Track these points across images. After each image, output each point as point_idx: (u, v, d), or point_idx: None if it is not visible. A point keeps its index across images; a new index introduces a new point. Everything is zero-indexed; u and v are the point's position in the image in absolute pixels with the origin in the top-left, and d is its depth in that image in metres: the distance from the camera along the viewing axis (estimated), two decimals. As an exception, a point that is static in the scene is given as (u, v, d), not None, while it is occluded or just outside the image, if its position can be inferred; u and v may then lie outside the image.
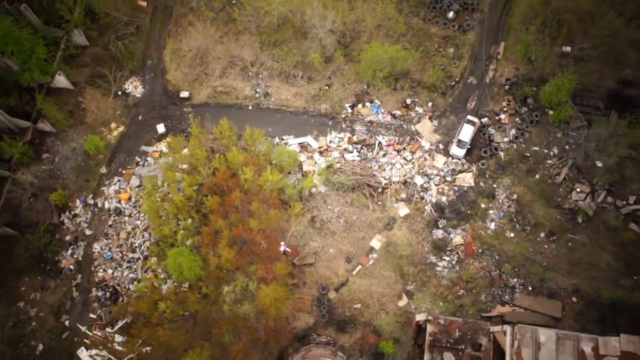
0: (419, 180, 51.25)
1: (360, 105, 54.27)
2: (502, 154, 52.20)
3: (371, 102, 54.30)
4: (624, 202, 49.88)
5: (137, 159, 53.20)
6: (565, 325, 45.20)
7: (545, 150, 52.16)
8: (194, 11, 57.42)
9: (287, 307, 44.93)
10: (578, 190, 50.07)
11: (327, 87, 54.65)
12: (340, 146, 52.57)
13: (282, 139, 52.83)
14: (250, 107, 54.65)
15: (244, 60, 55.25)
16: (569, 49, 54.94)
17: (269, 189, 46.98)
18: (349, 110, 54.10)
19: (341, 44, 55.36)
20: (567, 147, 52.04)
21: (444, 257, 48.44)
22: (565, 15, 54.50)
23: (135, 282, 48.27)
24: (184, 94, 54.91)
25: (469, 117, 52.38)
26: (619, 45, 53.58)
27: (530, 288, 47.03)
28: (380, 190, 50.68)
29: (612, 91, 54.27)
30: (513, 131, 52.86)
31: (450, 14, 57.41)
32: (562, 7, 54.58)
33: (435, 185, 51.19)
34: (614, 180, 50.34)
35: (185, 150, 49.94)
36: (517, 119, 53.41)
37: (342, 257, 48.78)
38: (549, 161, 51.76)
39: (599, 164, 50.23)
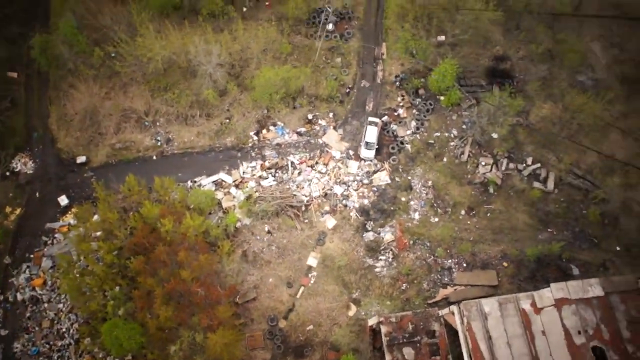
0: (339, 190, 52.16)
1: (264, 131, 54.45)
2: (408, 146, 54.56)
3: (274, 125, 54.67)
4: (524, 165, 54.01)
5: (44, 238, 49.43)
6: (503, 290, 47.74)
7: (446, 134, 55.29)
8: (72, 72, 54.77)
9: (240, 348, 43.63)
10: (483, 163, 53.48)
11: (227, 120, 54.30)
12: (254, 175, 52.29)
13: (195, 182, 51.64)
14: (154, 157, 52.93)
15: (137, 111, 53.55)
16: (443, 37, 59.01)
17: (193, 234, 45.54)
18: (255, 137, 54.09)
19: (232, 75, 55.41)
20: (464, 126, 55.48)
21: (380, 257, 49.53)
22: (432, 8, 58.54)
23: (72, 371, 44.65)
24: (81, 159, 52.03)
25: (370, 118, 54.34)
26: (483, 26, 58.21)
27: (464, 265, 49.28)
28: (303, 208, 50.96)
29: (489, 68, 58.95)
30: (413, 123, 55.51)
31: (330, 26, 59.46)
32: (427, 1, 58.59)
33: (355, 190, 52.35)
34: (511, 147, 54.43)
35: (96, 217, 47.21)
36: (414, 111, 56.18)
37: (283, 284, 48.31)
38: (452, 143, 54.87)
39: (495, 135, 54.09)
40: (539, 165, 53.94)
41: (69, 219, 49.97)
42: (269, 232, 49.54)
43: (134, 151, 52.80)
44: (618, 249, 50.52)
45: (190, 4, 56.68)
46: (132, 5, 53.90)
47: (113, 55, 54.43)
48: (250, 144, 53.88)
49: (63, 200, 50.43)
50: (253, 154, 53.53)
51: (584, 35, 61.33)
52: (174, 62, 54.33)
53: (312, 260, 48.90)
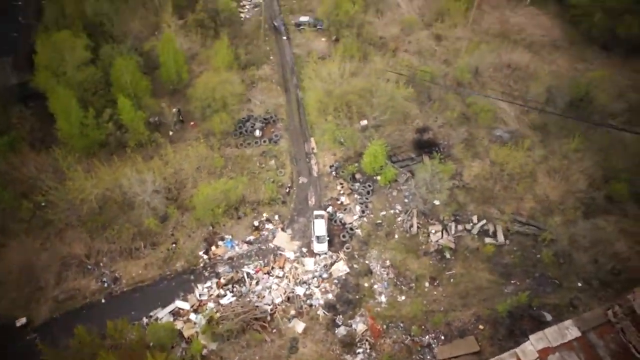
0: (300, 290, 50.95)
1: (214, 248, 53.30)
2: (358, 231, 55.03)
3: (223, 239, 53.77)
4: (471, 224, 55.61)
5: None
6: (486, 354, 46.70)
7: (391, 211, 56.49)
8: (0, 231, 52.22)
9: None
10: (433, 232, 54.57)
11: (174, 245, 52.89)
12: (212, 295, 50.20)
13: (150, 316, 48.66)
14: (103, 300, 49.84)
15: (78, 256, 51.13)
16: (365, 122, 62.15)
17: (158, 374, 42.23)
18: (205, 256, 52.70)
19: (170, 199, 54.91)
20: (406, 200, 57.05)
21: (358, 351, 47.58)
22: (348, 97, 62.00)
23: None
24: (21, 322, 47.80)
25: (316, 212, 54.83)
26: (399, 104, 62.09)
27: (442, 337, 48.31)
28: (269, 318, 48.98)
29: (414, 141, 62.20)
30: (357, 207, 56.48)
31: (257, 132, 61.27)
32: (342, 92, 62.04)
33: (316, 287, 51.33)
34: (454, 210, 56.20)
35: (47, 382, 42.93)
36: (356, 196, 57.43)
37: (264, 404, 45.13)
38: (399, 219, 55.95)
39: (437, 202, 55.86)
40: (484, 221, 55.74)
41: (17, 392, 45.08)
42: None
43: (79, 299, 49.58)
44: (580, 284, 51.68)
45: (116, 139, 56.93)
46: (57, 152, 53.42)
47: (43, 204, 52.80)
48: (201, 264, 52.31)
49: (7, 371, 45.71)
50: (206, 274, 51.82)
51: (488, 94, 66.73)
52: (109, 198, 53.32)
53: (290, 371, 46.33)
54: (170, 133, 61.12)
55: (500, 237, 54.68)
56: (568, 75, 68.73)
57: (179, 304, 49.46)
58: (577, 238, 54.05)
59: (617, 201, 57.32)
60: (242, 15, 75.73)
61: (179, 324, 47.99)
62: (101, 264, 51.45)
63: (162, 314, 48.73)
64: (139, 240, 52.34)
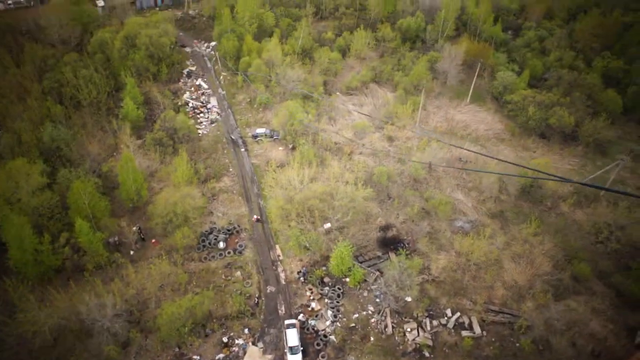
0: (277, 408, 47.50)
1: (181, 370, 49.82)
2: (332, 337, 52.93)
3: (190, 360, 50.53)
4: (446, 318, 54.65)
5: None
6: None
7: (364, 313, 55.08)
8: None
9: None
10: (409, 330, 53.14)
11: (137, 372, 49.13)
12: None
13: None
14: None
15: (28, 397, 46.54)
16: (328, 224, 62.53)
17: None
18: (172, 381, 48.99)
19: (132, 322, 51.86)
20: (377, 300, 56.01)
21: None
22: (310, 202, 62.83)
23: None
24: None
25: (287, 321, 52.78)
26: (360, 205, 63.24)
27: None
28: None
29: (379, 239, 62.60)
30: (329, 312, 54.86)
31: (221, 244, 60.41)
32: (303, 197, 63.01)
33: (294, 403, 48.02)
34: (427, 305, 55.40)
35: None
36: (326, 300, 56.00)
37: None
38: (372, 320, 54.46)
39: (408, 299, 55.10)
40: (458, 314, 54.98)
41: None
42: None
43: None
44: (562, 370, 50.61)
45: (73, 263, 54.76)
46: (7, 282, 50.54)
47: (-9, 344, 48.80)
48: (168, 391, 48.47)
49: None
50: (174, 401, 47.90)
51: (444, 188, 69.33)
52: (64, 328, 49.89)
53: None
54: (131, 252, 59.44)
55: (477, 329, 53.73)
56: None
57: None
58: (552, 322, 53.83)
59: (583, 280, 58.30)
60: (199, 131, 78.01)
61: None
62: (56, 403, 46.88)
63: None
64: (99, 373, 48.43)
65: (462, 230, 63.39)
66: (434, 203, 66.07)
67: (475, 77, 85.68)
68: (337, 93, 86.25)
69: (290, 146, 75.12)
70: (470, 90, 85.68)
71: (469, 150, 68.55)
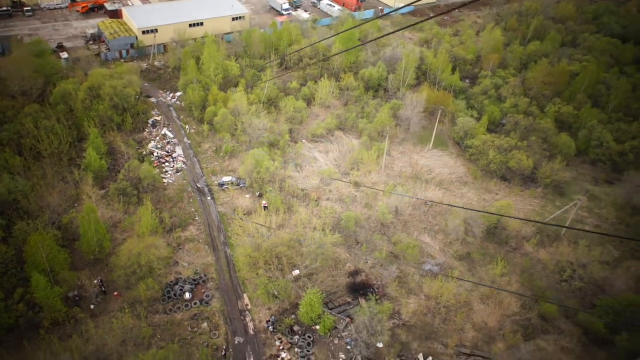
0: None
1: None
2: (304, 388, 51.36)
3: (154, 420, 47.81)
4: (418, 363, 54.01)
5: None
6: None
7: (335, 361, 53.90)
8: None
9: None
10: (381, 377, 52.09)
11: None
12: None
13: None
14: None
15: None
16: (297, 271, 62.08)
17: None
18: None
19: (91, 381, 49.16)
20: (348, 347, 54.93)
21: None
22: (278, 249, 62.28)
23: None
24: None
25: (256, 373, 51.06)
26: (329, 251, 62.99)
27: None
28: None
29: (349, 285, 62.10)
30: (300, 362, 53.41)
31: (187, 295, 58.66)
32: (271, 245, 62.44)
33: None
34: (399, 351, 54.65)
35: None
36: (297, 350, 54.53)
37: None
38: (344, 368, 53.26)
39: (380, 345, 54.31)
40: (430, 358, 54.35)
41: None
42: None
43: None
44: (538, 413, 50.16)
45: (27, 320, 51.94)
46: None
47: None
48: None
49: None
50: None
51: (412, 232, 69.97)
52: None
53: None
54: (92, 307, 56.96)
55: (450, 373, 53.14)
56: (479, 207, 74.25)
57: None
58: (524, 363, 53.82)
59: (550, 320, 58.89)
60: (165, 180, 77.05)
61: None
62: None
63: None
64: None
65: (431, 273, 63.64)
66: (402, 247, 66.38)
67: (437, 123, 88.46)
68: (303, 141, 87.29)
69: (258, 194, 74.89)
70: (433, 136, 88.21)
71: (433, 202, 69.92)
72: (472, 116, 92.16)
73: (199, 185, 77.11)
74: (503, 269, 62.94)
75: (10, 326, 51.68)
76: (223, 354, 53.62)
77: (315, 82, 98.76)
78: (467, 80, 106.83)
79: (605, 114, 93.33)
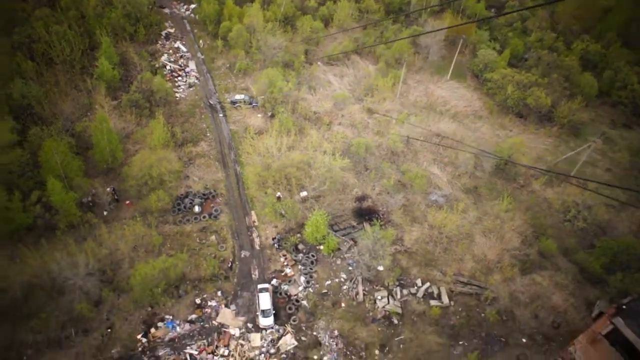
0: (248, 369, 48.39)
1: (153, 329, 49.88)
2: (304, 302, 53.82)
3: (163, 320, 50.61)
4: (416, 288, 56.02)
5: None
6: (442, 420, 45.76)
7: (336, 280, 56.02)
8: None
9: None
10: (379, 298, 54.36)
11: (109, 330, 49.07)
12: (151, 382, 46.66)
13: (82, 413, 44.25)
14: (26, 400, 44.87)
15: (-3, 352, 46.33)
16: (305, 193, 62.85)
17: None
18: (144, 340, 49.02)
19: (105, 281, 51.69)
20: (350, 268, 56.95)
21: None
22: (287, 170, 62.97)
23: None
24: None
25: (260, 286, 53.40)
26: (337, 175, 63.68)
27: (397, 406, 46.95)
28: (215, 402, 45.82)
29: (354, 209, 63.26)
30: (302, 278, 55.60)
31: (197, 208, 60.22)
32: (281, 165, 63.09)
33: (265, 364, 49.02)
34: (399, 275, 56.60)
35: None
36: (300, 267, 56.69)
37: None
38: (344, 287, 55.46)
39: (380, 268, 56.18)
40: (428, 284, 56.39)
41: None
42: None
43: (-2, 401, 44.45)
44: (524, 340, 52.65)
45: (44, 222, 53.90)
46: (-24, 239, 49.75)
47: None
48: (140, 349, 48.45)
49: None
50: (146, 359, 48.17)
51: (421, 162, 70.14)
52: (35, 285, 49.37)
53: None
54: (105, 213, 58.80)
55: (445, 299, 55.27)
56: (491, 142, 73.80)
57: (114, 395, 45.36)
58: (517, 295, 55.71)
59: (549, 256, 60.24)
60: (177, 94, 76.68)
61: (114, 419, 43.74)
62: (24, 358, 46.64)
63: (95, 410, 44.36)
64: (70, 328, 48.24)
65: (436, 204, 64.49)
66: (410, 176, 66.88)
67: (456, 53, 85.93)
68: (319, 63, 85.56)
69: (269, 114, 74.61)
70: (451, 67, 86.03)
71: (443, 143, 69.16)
72: (493, 48, 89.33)
73: (211, 102, 76.75)
74: (508, 204, 63.54)
75: (28, 225, 53.66)
76: (229, 265, 55.88)
77: (334, 2, 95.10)
78: (493, 10, 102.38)
79: (636, 54, 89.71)
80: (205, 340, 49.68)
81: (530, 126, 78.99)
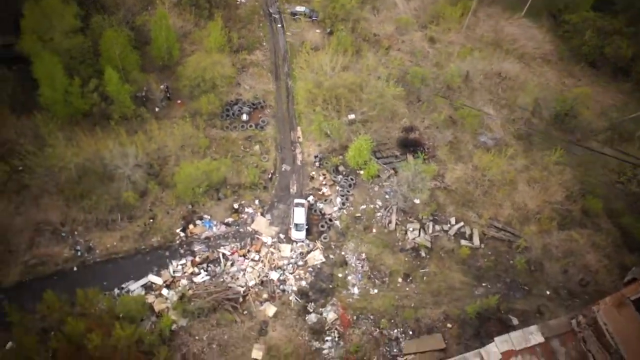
0: (274, 275, 51.01)
1: (191, 226, 52.97)
2: (337, 222, 55.26)
3: (201, 219, 53.50)
4: (449, 225, 56.29)
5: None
6: (451, 351, 47.51)
7: (371, 206, 56.84)
8: (-27, 192, 51.16)
9: None
10: (411, 229, 55.08)
11: (151, 220, 52.44)
12: (185, 272, 50.05)
13: (122, 288, 48.36)
14: (75, 269, 49.23)
15: (52, 223, 50.46)
16: (353, 116, 62.34)
17: (125, 346, 41.89)
18: (182, 234, 52.36)
19: (151, 174, 54.35)
20: (387, 196, 57.43)
21: (326, 338, 47.98)
22: (338, 90, 62.10)
23: None
24: (-11, 282, 47.38)
25: (296, 200, 54.92)
26: (388, 102, 62.39)
27: (410, 332, 48.93)
28: (241, 299, 48.99)
29: (400, 139, 62.63)
30: (338, 199, 56.70)
31: (244, 117, 61.07)
32: (332, 85, 62.16)
33: (291, 273, 51.46)
34: (434, 210, 56.77)
35: (10, 344, 42.36)
36: (338, 188, 57.61)
37: (229, 384, 45.13)
38: (378, 214, 56.33)
39: (417, 201, 56.39)
40: (462, 224, 56.46)
41: (-22, 354, 44.47)
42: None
43: (51, 265, 48.89)
44: (548, 292, 52.80)
45: (100, 110, 56.06)
46: (38, 117, 52.38)
47: (20, 168, 51.75)
48: (178, 241, 51.99)
49: (-32, 333, 44.95)
50: (182, 251, 51.58)
51: (477, 100, 67.60)
52: (88, 169, 52.50)
53: (257, 353, 46.27)
54: (157, 109, 60.50)
55: (476, 241, 55.45)
56: (556, 89, 69.92)
57: (152, 278, 49.20)
58: (550, 248, 55.22)
59: (592, 215, 58.60)
60: (238, -1, 75.29)
61: (150, 298, 47.79)
62: (76, 233, 50.79)
63: (134, 287, 48.43)
64: (116, 213, 51.78)
65: (485, 146, 62.85)
66: (462, 114, 64.93)
67: (536, -12, 79.48)
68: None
69: (328, 30, 72.57)
70: (528, 3, 79.92)
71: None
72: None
73: (270, 10, 75.07)
74: (560, 157, 61.07)
75: (85, 112, 56.03)
76: (269, 176, 57.38)
77: None
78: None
79: None
80: (238, 243, 52.48)
81: (602, 78, 73.85)
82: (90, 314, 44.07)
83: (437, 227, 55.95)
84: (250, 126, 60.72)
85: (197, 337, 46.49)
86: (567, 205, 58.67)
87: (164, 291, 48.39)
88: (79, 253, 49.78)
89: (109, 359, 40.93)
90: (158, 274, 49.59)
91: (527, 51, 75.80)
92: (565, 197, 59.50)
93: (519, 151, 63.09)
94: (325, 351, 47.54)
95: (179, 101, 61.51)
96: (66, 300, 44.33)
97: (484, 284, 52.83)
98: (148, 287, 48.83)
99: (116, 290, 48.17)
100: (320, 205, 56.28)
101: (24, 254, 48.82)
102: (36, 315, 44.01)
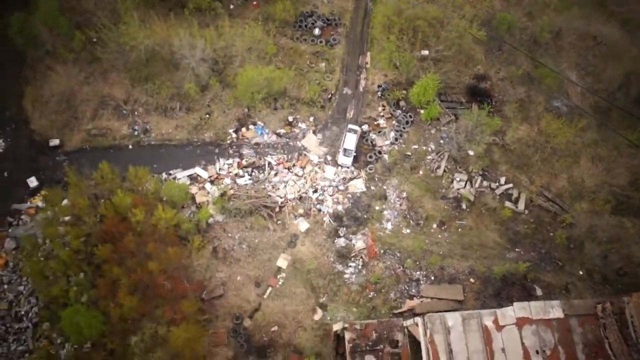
0: (314, 194, 52.20)
1: (244, 129, 54.16)
2: (386, 156, 55.03)
3: (254, 124, 54.46)
4: (497, 184, 55.02)
5: (10, 219, 48.24)
6: (468, 305, 48.36)
7: (424, 147, 55.96)
8: (51, 54, 53.45)
9: (202, 344, 43.02)
10: (458, 179, 54.28)
11: (207, 116, 53.88)
12: (230, 172, 51.97)
13: (170, 174, 51.04)
14: (130, 147, 52.14)
15: (116, 99, 52.76)
16: (426, 52, 59.77)
17: (164, 227, 44.97)
18: (234, 135, 53.77)
19: (215, 71, 55.00)
20: (441, 141, 56.24)
21: (350, 264, 49.67)
22: (417, 22, 59.21)
23: (27, 355, 43.28)
24: (54, 142, 50.89)
25: (350, 126, 54.68)
26: (466, 45, 59.28)
27: (432, 278, 49.78)
28: (277, 209, 50.81)
29: (469, 86, 60.00)
30: (392, 134, 56.03)
31: (316, 31, 59.71)
32: (413, 15, 59.22)
33: (330, 195, 52.48)
34: (486, 165, 55.37)
35: (65, 202, 46.23)
36: (394, 122, 56.73)
37: (251, 283, 48.01)
38: (429, 157, 55.55)
39: (471, 152, 55.00)
40: (511, 185, 55.02)
41: (37, 201, 48.81)
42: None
43: (109, 139, 51.89)
44: (581, 273, 51.81)
45: (177, -3, 56.20)
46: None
47: (95, 40, 53.49)
48: (228, 141, 53.53)
49: (32, 182, 49.23)
50: (231, 152, 53.23)
51: (562, 62, 63.10)
52: (157, 53, 53.67)
53: (282, 262, 48.71)
54: (231, 6, 59.74)
55: (521, 206, 54.18)
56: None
57: (198, 170, 51.46)
58: (597, 230, 53.06)
59: (657, 206, 55.57)
60: None
61: (193, 189, 50.31)
62: (136, 113, 53.07)
63: (181, 175, 50.93)
64: (176, 102, 53.41)
65: (557, 111, 59.43)
66: (541, 72, 60.92)
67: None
68: None
69: (423, -45, 68.00)
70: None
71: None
72: None
73: None
74: (636, 140, 57.00)
75: (161, -2, 56.31)
76: (329, 96, 56.96)
77: None
78: None
79: None
80: (285, 156, 53.48)
81: None
82: (138, 190, 47.12)
83: (485, 183, 54.83)
84: (321, 42, 59.48)
85: (230, 235, 49.13)
86: (628, 190, 55.63)
87: (207, 185, 50.71)
88: (136, 132, 52.32)
89: (148, 235, 44.10)
90: (205, 168, 51.74)
91: (634, 17, 68.84)
92: (628, 182, 56.34)
93: (592, 124, 59.28)
94: (346, 275, 49.33)
95: (254, 2, 60.51)
96: (118, 174, 47.42)
97: (517, 249, 52.30)
98: (193, 179, 51.25)
99: (164, 175, 50.88)
100: (373, 135, 55.90)
101: (88, 122, 51.86)
102: (91, 182, 47.52)
